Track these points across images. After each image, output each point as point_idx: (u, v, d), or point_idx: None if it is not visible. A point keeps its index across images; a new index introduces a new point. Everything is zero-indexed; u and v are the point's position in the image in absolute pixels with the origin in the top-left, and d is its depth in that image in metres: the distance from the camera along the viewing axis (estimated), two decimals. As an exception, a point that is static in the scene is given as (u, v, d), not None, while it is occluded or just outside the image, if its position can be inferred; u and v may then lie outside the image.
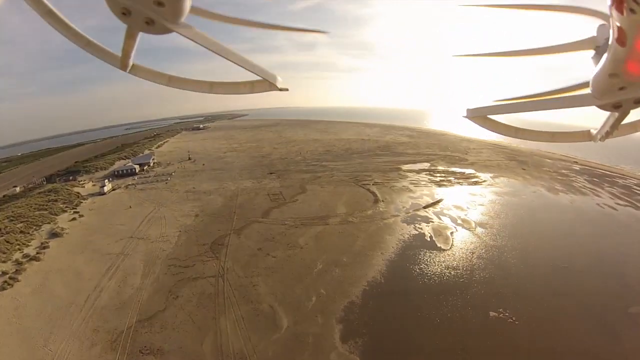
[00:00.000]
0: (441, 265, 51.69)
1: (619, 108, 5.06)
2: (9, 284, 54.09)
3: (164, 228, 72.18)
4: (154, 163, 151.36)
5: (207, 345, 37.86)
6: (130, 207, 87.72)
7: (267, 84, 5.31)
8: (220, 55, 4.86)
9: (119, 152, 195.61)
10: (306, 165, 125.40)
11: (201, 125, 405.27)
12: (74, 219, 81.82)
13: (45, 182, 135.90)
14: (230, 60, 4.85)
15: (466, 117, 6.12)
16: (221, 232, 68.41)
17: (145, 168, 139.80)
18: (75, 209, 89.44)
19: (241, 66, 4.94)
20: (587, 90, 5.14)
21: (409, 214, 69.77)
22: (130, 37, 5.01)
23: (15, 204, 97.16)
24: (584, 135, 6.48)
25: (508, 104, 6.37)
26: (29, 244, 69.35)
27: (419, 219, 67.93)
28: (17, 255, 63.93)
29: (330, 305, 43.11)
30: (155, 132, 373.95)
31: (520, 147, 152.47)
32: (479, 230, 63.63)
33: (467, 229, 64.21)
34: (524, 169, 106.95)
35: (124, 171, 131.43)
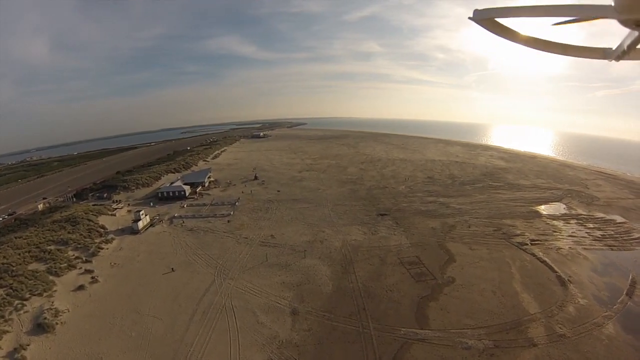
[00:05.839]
0: None
1: None
2: None
3: (236, 344, 39.06)
4: (209, 182, 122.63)
5: None
6: (173, 269, 56.40)
7: None
8: None
9: (169, 163, 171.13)
10: (421, 202, 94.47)
11: (261, 133, 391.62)
12: (81, 286, 52.13)
13: (74, 199, 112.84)
14: None
15: (473, 18, 5.97)
16: (355, 367, 35.23)
17: (198, 190, 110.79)
18: (90, 261, 60.37)
19: None
20: (610, 2, 5.07)
21: (619, 312, 45.13)
22: None
23: (20, 237, 71.95)
24: (598, 53, 6.61)
25: (520, 6, 5.97)
26: (-6, 343, 40.77)
27: (636, 321, 43.08)
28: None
29: None
30: (211, 139, 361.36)
31: (627, 175, 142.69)
32: None
33: None
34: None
35: (170, 193, 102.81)
